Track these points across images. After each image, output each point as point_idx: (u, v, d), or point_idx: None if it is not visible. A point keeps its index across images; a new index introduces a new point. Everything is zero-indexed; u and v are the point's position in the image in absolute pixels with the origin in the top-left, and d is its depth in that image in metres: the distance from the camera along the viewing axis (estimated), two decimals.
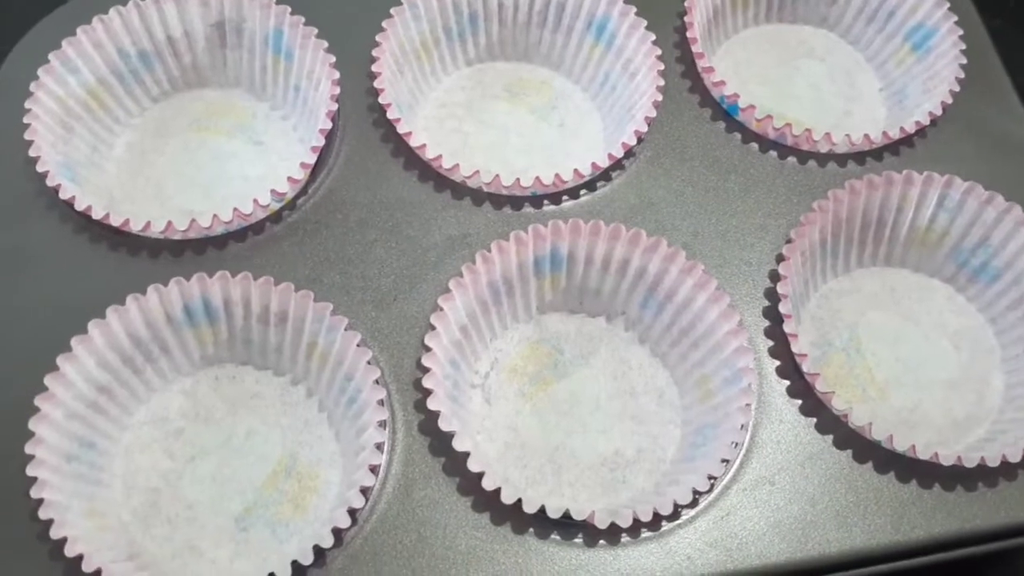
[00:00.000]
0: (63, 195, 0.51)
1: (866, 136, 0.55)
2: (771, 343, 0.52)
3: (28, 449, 0.45)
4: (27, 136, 0.52)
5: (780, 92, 0.61)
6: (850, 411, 0.49)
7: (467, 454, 0.46)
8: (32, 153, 0.52)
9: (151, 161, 0.57)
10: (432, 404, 0.46)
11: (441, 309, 0.49)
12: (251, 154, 0.57)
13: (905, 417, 0.52)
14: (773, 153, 0.57)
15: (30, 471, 0.44)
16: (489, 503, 0.47)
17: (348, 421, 0.49)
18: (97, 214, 0.51)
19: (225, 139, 0.58)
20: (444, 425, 0.46)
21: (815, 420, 0.50)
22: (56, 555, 0.44)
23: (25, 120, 0.53)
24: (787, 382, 0.51)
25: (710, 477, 0.47)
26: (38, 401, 0.46)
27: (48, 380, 0.46)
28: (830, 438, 0.50)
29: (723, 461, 0.47)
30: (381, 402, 0.47)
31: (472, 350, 0.52)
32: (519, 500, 0.45)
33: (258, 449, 0.50)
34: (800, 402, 0.50)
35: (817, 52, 0.63)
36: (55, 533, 0.43)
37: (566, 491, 0.49)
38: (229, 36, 0.58)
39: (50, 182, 0.51)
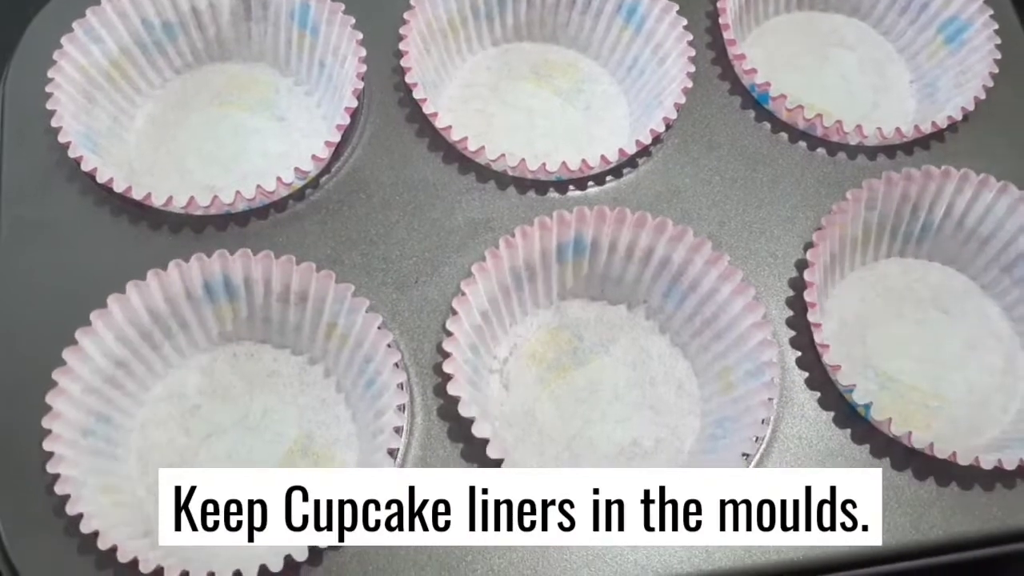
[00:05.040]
0: (85, 167, 0.51)
1: (897, 130, 0.55)
2: (793, 333, 0.51)
3: (45, 423, 0.45)
4: (49, 105, 0.52)
5: (809, 81, 0.61)
6: (869, 405, 0.48)
7: (486, 441, 0.46)
8: (54, 123, 0.51)
9: (172, 134, 0.56)
10: (452, 390, 0.46)
11: (463, 294, 0.49)
12: (273, 130, 0.57)
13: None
14: (802, 144, 0.56)
15: (47, 445, 0.44)
16: None
17: (366, 403, 0.49)
18: (119, 187, 0.50)
19: (247, 114, 0.57)
20: (464, 411, 0.46)
21: (834, 414, 0.50)
22: (72, 531, 0.43)
23: (47, 89, 0.52)
24: (807, 373, 0.51)
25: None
26: (56, 375, 0.45)
27: (66, 354, 0.46)
28: (848, 432, 0.49)
29: (744, 455, 0.47)
30: (401, 386, 0.47)
31: (492, 335, 0.51)
32: None
33: (274, 427, 0.49)
34: (819, 394, 0.50)
35: (848, 41, 0.63)
36: (71, 509, 0.43)
37: None
38: (254, 9, 0.57)
39: (72, 153, 0.51)
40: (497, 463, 0.45)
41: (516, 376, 0.51)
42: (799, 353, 0.51)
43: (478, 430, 0.46)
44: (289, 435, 0.49)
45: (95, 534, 0.43)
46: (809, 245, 0.52)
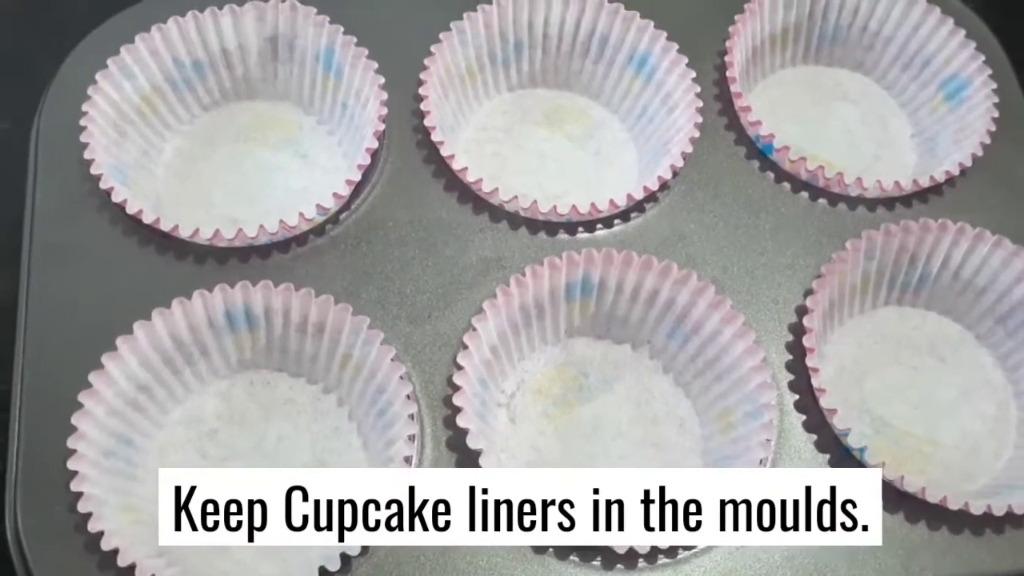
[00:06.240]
0: (115, 198, 0.52)
1: (896, 183, 0.56)
2: (792, 377, 0.53)
3: (70, 443, 0.46)
4: (83, 138, 0.53)
5: (813, 133, 0.62)
6: (864, 449, 0.50)
7: None
8: (87, 155, 0.53)
9: (199, 168, 0.58)
10: (461, 422, 0.48)
11: (474, 329, 0.50)
12: (296, 166, 0.58)
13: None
14: (804, 194, 0.58)
15: (71, 465, 0.46)
16: None
17: (377, 432, 0.50)
18: (147, 218, 0.52)
19: (271, 151, 0.59)
20: (472, 443, 0.47)
21: (829, 456, 0.51)
22: (92, 547, 0.45)
23: (82, 123, 0.54)
24: (804, 416, 0.52)
25: None
26: (82, 397, 0.47)
27: (93, 377, 0.47)
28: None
29: None
30: (411, 416, 0.48)
31: (500, 370, 0.53)
32: None
33: (288, 454, 0.51)
34: (816, 437, 0.52)
35: (851, 95, 0.64)
36: (93, 526, 0.45)
37: None
38: (281, 51, 0.59)
39: (103, 184, 0.52)
40: None
41: (522, 410, 0.53)
42: (797, 396, 0.52)
43: (485, 461, 0.47)
44: (302, 461, 0.51)
45: (115, 551, 0.44)
46: (809, 292, 0.53)
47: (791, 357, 0.53)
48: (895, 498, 0.50)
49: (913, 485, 0.49)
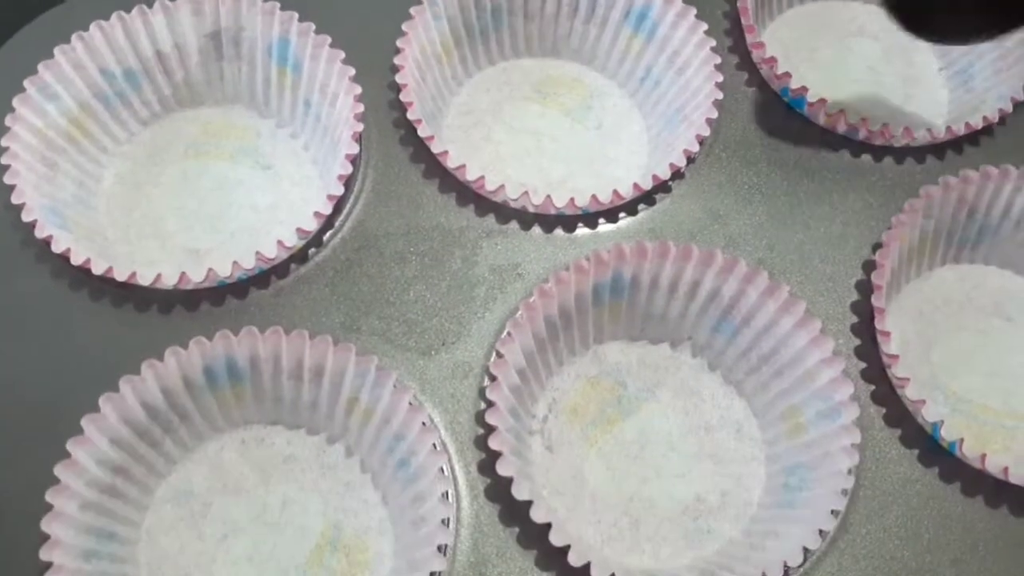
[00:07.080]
0: (56, 248, 0.45)
1: (948, 128, 0.51)
2: (864, 365, 0.47)
3: (43, 555, 0.39)
4: (7, 179, 0.46)
5: (834, 76, 0.56)
6: (938, 424, 0.45)
7: (548, 525, 0.41)
8: (15, 200, 0.46)
9: (146, 194, 0.51)
10: (503, 469, 0.41)
11: (500, 356, 0.44)
12: (259, 180, 0.51)
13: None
14: (846, 151, 0.52)
15: None
16: None
17: (399, 485, 0.44)
18: (98, 268, 0.45)
19: (228, 164, 0.52)
20: (518, 493, 0.41)
21: (917, 451, 0.46)
22: None
23: (3, 160, 0.46)
24: (884, 409, 0.46)
25: (822, 532, 0.42)
26: (50, 496, 0.40)
27: (58, 470, 0.40)
28: (935, 470, 0.45)
29: (833, 512, 0.42)
30: (442, 470, 0.42)
31: (529, 393, 0.46)
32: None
33: (297, 520, 0.44)
34: (900, 431, 0.46)
35: (869, 30, 0.58)
36: None
37: (646, 547, 0.45)
38: (226, 47, 0.52)
39: (40, 233, 0.45)
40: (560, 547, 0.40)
41: (559, 435, 0.47)
42: (873, 387, 0.46)
43: (537, 515, 0.41)
44: (314, 527, 0.44)
45: None
46: (869, 264, 0.47)
47: (859, 341, 0.47)
48: (995, 489, 0.45)
49: (995, 465, 0.44)
